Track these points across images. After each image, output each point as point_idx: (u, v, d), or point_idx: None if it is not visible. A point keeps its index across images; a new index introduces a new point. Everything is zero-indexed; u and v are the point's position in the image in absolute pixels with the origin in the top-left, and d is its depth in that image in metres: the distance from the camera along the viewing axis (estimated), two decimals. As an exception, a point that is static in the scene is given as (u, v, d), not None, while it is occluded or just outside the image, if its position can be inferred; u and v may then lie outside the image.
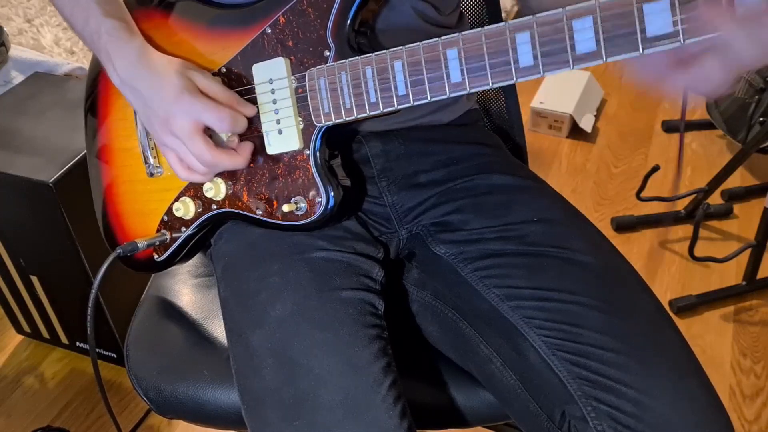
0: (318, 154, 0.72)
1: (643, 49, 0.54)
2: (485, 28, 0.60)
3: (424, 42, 0.63)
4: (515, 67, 0.59)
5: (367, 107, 0.67)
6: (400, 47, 0.64)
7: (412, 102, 0.65)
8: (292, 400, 0.65)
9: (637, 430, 0.62)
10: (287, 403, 0.65)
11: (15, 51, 1.76)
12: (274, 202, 0.75)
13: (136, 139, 0.84)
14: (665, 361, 0.65)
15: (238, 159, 0.74)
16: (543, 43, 0.57)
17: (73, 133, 1.32)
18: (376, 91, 0.66)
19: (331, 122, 0.70)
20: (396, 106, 0.66)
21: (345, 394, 0.64)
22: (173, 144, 0.73)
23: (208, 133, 0.74)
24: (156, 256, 0.85)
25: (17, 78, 1.67)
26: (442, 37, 0.62)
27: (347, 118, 0.69)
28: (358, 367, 0.66)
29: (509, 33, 0.58)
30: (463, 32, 0.61)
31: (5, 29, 1.73)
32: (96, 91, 0.89)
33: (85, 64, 1.77)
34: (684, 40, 0.52)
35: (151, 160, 0.83)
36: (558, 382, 0.67)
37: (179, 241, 0.83)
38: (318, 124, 0.71)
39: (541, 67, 0.58)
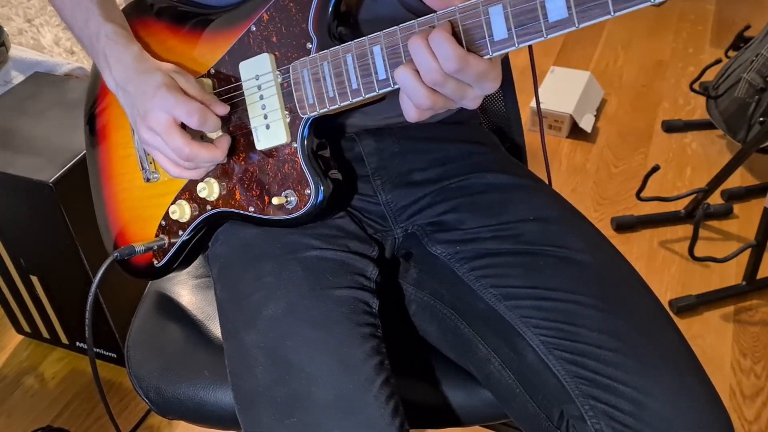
0: (305, 145, 0.72)
1: (614, 11, 0.54)
2: (458, 6, 0.60)
3: (401, 25, 0.63)
4: (490, 41, 0.59)
5: (349, 94, 0.67)
6: (379, 32, 0.64)
7: (392, 86, 0.65)
8: (284, 399, 0.65)
9: (635, 428, 0.62)
10: (280, 402, 0.66)
11: (15, 51, 1.75)
12: (266, 198, 0.75)
13: (132, 146, 0.85)
14: (664, 359, 0.65)
15: (216, 151, 0.74)
16: (516, 14, 0.57)
17: (73, 133, 1.32)
18: (357, 77, 0.66)
19: (316, 113, 0.70)
20: (377, 90, 0.66)
21: (337, 393, 0.64)
22: (153, 141, 0.74)
23: (199, 133, 0.75)
24: (155, 262, 0.86)
25: (17, 78, 1.66)
26: (418, 19, 0.62)
27: (331, 107, 0.69)
28: (350, 365, 0.66)
29: (482, 6, 0.59)
30: (438, 12, 0.61)
31: (5, 29, 1.73)
32: (96, 99, 0.91)
33: (86, 64, 1.77)
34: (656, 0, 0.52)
35: (147, 166, 0.84)
36: (556, 382, 0.67)
37: (177, 244, 0.83)
38: (304, 116, 0.71)
39: (515, 39, 0.58)
